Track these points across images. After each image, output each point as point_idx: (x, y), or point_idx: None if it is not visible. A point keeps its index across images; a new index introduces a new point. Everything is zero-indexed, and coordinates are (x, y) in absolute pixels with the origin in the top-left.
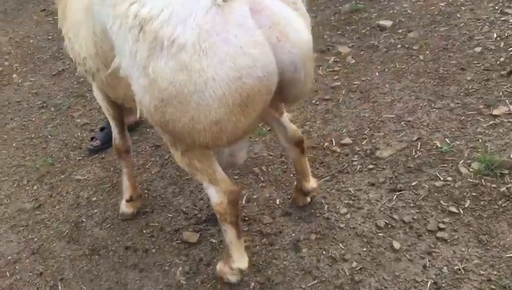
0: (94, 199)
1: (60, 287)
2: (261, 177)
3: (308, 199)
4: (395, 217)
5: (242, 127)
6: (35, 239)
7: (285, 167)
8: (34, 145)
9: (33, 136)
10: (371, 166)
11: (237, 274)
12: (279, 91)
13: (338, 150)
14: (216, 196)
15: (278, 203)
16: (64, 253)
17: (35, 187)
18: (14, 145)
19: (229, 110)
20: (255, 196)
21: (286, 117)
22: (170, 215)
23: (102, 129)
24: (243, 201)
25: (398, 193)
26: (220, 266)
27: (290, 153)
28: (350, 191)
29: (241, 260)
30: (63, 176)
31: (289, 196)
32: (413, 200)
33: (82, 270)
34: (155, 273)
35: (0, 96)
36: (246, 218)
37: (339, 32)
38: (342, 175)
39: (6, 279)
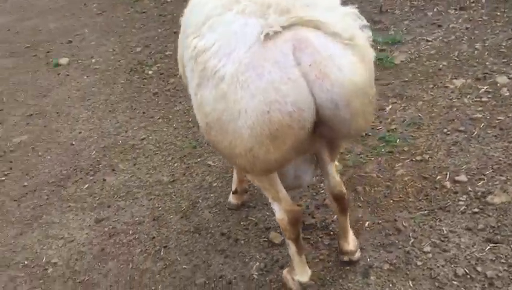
0: (215, 184)
1: (162, 253)
2: (361, 197)
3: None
4: (479, 269)
5: (274, 157)
6: (160, 209)
7: (388, 192)
8: (188, 128)
9: (190, 120)
10: (476, 209)
11: (297, 285)
12: (324, 128)
13: (448, 185)
14: (278, 213)
15: (366, 225)
16: (175, 225)
17: (175, 164)
18: (174, 125)
19: (259, 141)
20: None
21: (334, 166)
22: (267, 213)
23: None
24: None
25: (493, 245)
26: (285, 273)
27: (331, 204)
28: (443, 231)
29: (301, 274)
30: (199, 159)
31: (380, 221)
32: (506, 256)
33: (182, 243)
34: (236, 262)
35: (175, 83)
36: (332, 233)
37: (504, 60)
38: (442, 212)
39: (127, 235)
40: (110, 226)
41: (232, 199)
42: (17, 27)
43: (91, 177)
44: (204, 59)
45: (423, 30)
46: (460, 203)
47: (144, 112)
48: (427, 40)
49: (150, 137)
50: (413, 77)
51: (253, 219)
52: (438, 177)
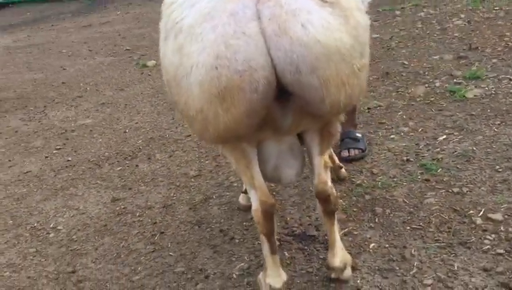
0: (235, 184)
1: (156, 238)
2: (377, 219)
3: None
4: None
5: (224, 121)
6: (174, 198)
7: (409, 218)
8: None
9: None
10: (501, 251)
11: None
12: (294, 98)
13: (479, 221)
14: (254, 203)
15: (370, 247)
16: (181, 215)
17: (207, 162)
18: None
19: (209, 100)
20: (355, 232)
21: (321, 163)
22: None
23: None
24: (341, 233)
25: None
26: (260, 275)
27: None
28: (454, 267)
29: (274, 278)
30: None
31: (387, 245)
32: None
33: (179, 233)
34: (222, 259)
35: None
36: None
37: None
38: (461, 248)
39: (133, 217)
40: (122, 206)
41: (241, 199)
42: (126, 33)
43: (127, 162)
44: (169, 11)
45: (510, 69)
46: (486, 241)
47: None
48: (510, 79)
49: (195, 136)
50: (482, 112)
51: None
52: (470, 211)
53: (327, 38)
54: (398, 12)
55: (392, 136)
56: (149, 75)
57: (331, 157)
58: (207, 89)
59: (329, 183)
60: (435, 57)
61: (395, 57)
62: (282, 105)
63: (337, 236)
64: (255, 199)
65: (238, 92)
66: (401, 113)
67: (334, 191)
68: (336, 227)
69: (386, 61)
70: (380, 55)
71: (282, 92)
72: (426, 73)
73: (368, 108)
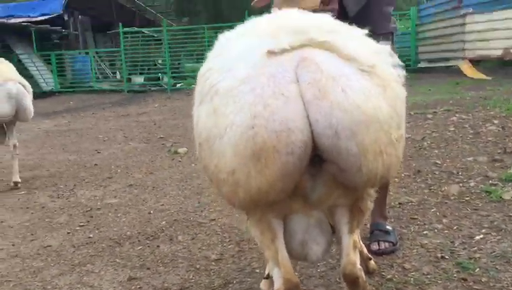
0: (257, 270)
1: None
2: None
3: None
4: None
5: (255, 184)
6: (192, 281)
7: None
8: None
9: None
10: None
11: None
12: (330, 165)
13: None
14: (277, 282)
15: None
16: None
17: (229, 246)
18: None
19: (242, 161)
20: None
21: (350, 242)
22: None
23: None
24: None
25: None
26: None
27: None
28: None
29: None
30: (254, 246)
31: None
32: None
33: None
34: None
35: None
36: None
37: None
38: None
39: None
40: (138, 286)
41: (262, 285)
42: (161, 123)
43: (148, 242)
44: (206, 78)
45: None
46: None
47: None
48: None
49: (220, 219)
50: None
51: None
52: None
53: (367, 105)
54: (429, 116)
55: (425, 232)
56: (179, 161)
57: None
58: (241, 149)
59: (359, 265)
60: (468, 159)
61: (427, 157)
62: (315, 173)
63: None
64: (278, 277)
65: (274, 153)
66: (434, 210)
67: (363, 274)
68: None
69: (417, 160)
70: (412, 154)
71: (315, 159)
72: (460, 173)
73: (399, 203)
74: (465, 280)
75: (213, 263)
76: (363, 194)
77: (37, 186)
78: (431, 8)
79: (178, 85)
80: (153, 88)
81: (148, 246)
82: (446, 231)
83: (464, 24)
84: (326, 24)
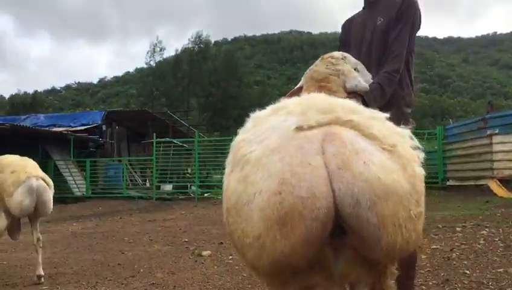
0: None
1: None
2: None
3: None
4: None
5: (280, 248)
6: None
7: None
8: None
9: None
10: None
11: None
12: (351, 237)
13: None
14: None
15: None
16: None
17: None
18: None
19: (268, 225)
20: None
21: None
22: None
23: None
24: None
25: None
26: None
27: None
28: None
29: None
30: None
31: None
32: None
33: None
34: None
35: None
36: None
37: None
38: None
39: None
40: None
41: None
42: (187, 228)
43: None
44: (238, 148)
45: None
46: None
47: None
48: None
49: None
50: None
51: None
52: None
53: (386, 177)
54: (459, 229)
55: None
56: (202, 263)
57: None
58: (268, 214)
59: None
60: (499, 270)
61: (456, 267)
62: (338, 246)
63: None
64: None
65: (299, 218)
66: None
67: None
68: None
69: (446, 270)
70: (440, 264)
71: (337, 231)
72: (490, 283)
73: None
74: None
75: None
76: (385, 271)
77: (60, 282)
78: (457, 128)
79: (205, 194)
80: (181, 196)
81: None
82: None
83: (490, 144)
84: (352, 105)
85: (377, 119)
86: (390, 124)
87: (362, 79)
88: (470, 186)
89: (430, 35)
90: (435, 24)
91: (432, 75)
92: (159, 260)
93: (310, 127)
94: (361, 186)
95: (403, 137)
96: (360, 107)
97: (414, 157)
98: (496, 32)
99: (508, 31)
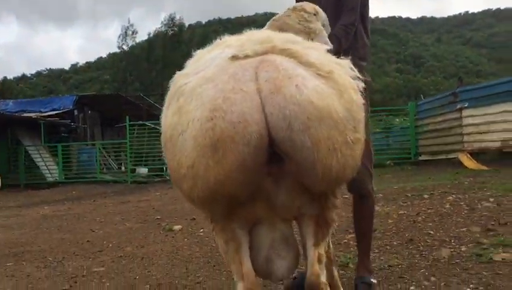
0: None
1: None
2: None
3: None
4: None
5: (214, 175)
6: None
7: None
8: None
9: None
10: None
11: None
12: (287, 163)
13: None
14: None
15: None
16: None
17: None
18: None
19: (201, 152)
20: None
21: (315, 254)
22: None
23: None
24: None
25: None
26: None
27: None
28: None
29: None
30: None
31: None
32: None
33: None
34: None
35: None
36: None
37: None
38: None
39: None
40: None
41: None
42: (160, 208)
43: None
44: (174, 81)
45: None
46: None
47: (214, 266)
48: None
49: (206, 283)
50: (510, 272)
51: None
52: None
53: (320, 101)
54: (426, 196)
55: (411, 288)
56: (172, 237)
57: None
58: (200, 141)
59: (323, 278)
60: (462, 229)
61: (421, 228)
62: (276, 176)
63: None
64: (242, 287)
65: (231, 143)
66: (423, 270)
67: (328, 288)
68: None
69: (411, 231)
70: (406, 227)
71: (275, 159)
72: (452, 241)
73: (389, 265)
74: None
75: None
76: (327, 203)
77: (26, 259)
78: (428, 103)
79: None
80: (156, 179)
81: None
82: (433, 287)
83: (460, 118)
84: (292, 37)
85: (317, 50)
86: (331, 56)
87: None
88: (441, 160)
89: (404, 16)
90: (408, 5)
91: (406, 55)
92: (129, 236)
93: (246, 56)
94: (293, 109)
95: (342, 67)
96: (301, 39)
97: (352, 85)
98: (468, 11)
99: (480, 10)
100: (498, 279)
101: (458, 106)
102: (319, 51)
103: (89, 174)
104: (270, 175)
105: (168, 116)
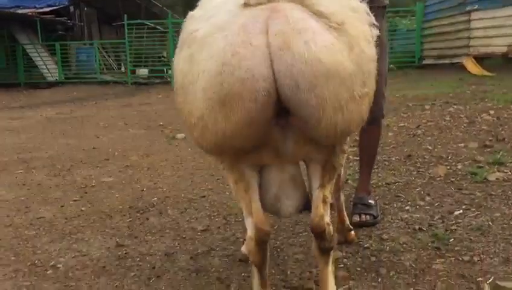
0: (241, 239)
1: (151, 281)
2: (380, 279)
3: None
4: None
5: (222, 129)
6: (177, 247)
7: (413, 281)
8: None
9: None
10: None
11: None
12: (293, 118)
13: (487, 288)
14: (249, 230)
15: None
16: (181, 263)
17: (216, 219)
18: None
19: (210, 106)
20: None
21: (320, 196)
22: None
23: None
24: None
25: None
26: None
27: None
28: None
29: None
30: (240, 219)
31: None
32: None
33: (176, 279)
34: None
35: None
36: None
37: None
38: None
39: (133, 262)
40: (124, 252)
41: (243, 248)
42: (163, 112)
43: (138, 215)
44: (186, 25)
45: None
46: None
47: (218, 179)
48: None
49: (210, 197)
50: (502, 193)
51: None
52: (479, 279)
53: (328, 58)
54: (427, 107)
55: (406, 208)
56: (176, 146)
57: (342, 217)
58: (209, 94)
59: (327, 219)
60: (460, 145)
61: (420, 143)
62: (283, 127)
63: (330, 277)
64: (251, 226)
65: (238, 99)
66: (419, 189)
67: (331, 228)
68: (330, 269)
69: (410, 146)
70: (405, 141)
71: (282, 112)
72: (449, 157)
73: (386, 183)
74: (438, 248)
75: (199, 233)
76: (334, 149)
77: (35, 166)
78: (437, 5)
79: None
80: (157, 80)
81: (138, 219)
82: (427, 207)
83: (469, 21)
84: None
85: None
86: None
87: None
88: (445, 64)
89: None
90: None
91: None
92: (133, 144)
93: (258, 3)
94: (301, 68)
95: (356, 12)
96: None
97: (365, 36)
98: None
99: None
100: (490, 200)
101: (468, 8)
102: None
103: (89, 74)
104: (277, 126)
105: (179, 62)
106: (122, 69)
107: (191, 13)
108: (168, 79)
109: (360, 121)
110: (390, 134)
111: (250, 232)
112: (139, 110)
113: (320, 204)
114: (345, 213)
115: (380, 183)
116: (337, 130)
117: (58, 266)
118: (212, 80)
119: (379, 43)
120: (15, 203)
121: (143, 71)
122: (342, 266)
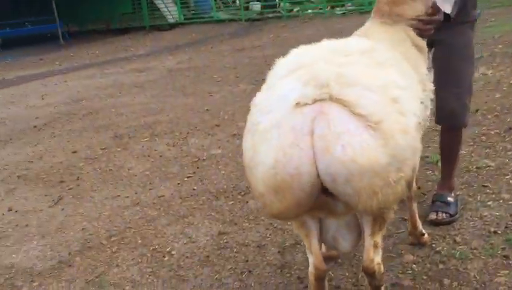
0: None
1: (243, 276)
2: None
3: None
4: None
5: (277, 207)
6: (268, 238)
7: None
8: None
9: None
10: None
11: None
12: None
13: None
14: (310, 265)
15: None
16: (272, 257)
17: None
18: None
19: (267, 190)
20: None
21: (371, 243)
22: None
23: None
24: None
25: None
26: None
27: None
28: None
29: None
30: None
31: None
32: None
33: (264, 274)
34: None
35: None
36: None
37: None
38: None
39: (231, 253)
40: (225, 241)
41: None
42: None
43: (239, 197)
44: (253, 112)
45: None
46: None
47: None
48: None
49: None
50: None
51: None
52: None
53: (362, 159)
54: None
55: (489, 203)
56: None
57: (415, 222)
58: (266, 182)
59: (376, 261)
60: None
61: None
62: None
63: None
64: (311, 262)
65: (289, 188)
66: (509, 177)
67: (381, 268)
68: None
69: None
70: (510, 108)
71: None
72: None
73: (477, 167)
74: (507, 257)
75: (289, 223)
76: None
77: (158, 132)
78: None
79: (295, 10)
80: (270, 15)
81: (239, 202)
82: (511, 202)
83: None
84: (351, 76)
85: (377, 88)
86: (393, 82)
87: None
88: None
89: None
90: None
91: None
92: (241, 104)
93: (305, 103)
94: (338, 167)
95: (396, 103)
96: (362, 76)
97: (401, 128)
98: None
99: None
100: None
101: None
102: (380, 88)
103: (207, 13)
104: (327, 197)
105: (247, 146)
106: (237, 2)
107: (260, 98)
108: (281, 12)
109: (397, 199)
110: (497, 95)
111: (310, 268)
112: (251, 57)
113: (371, 249)
114: (417, 218)
115: (470, 167)
116: (374, 209)
117: (173, 253)
118: (268, 172)
119: (465, 56)
120: (141, 179)
121: (256, 6)
122: (409, 272)
